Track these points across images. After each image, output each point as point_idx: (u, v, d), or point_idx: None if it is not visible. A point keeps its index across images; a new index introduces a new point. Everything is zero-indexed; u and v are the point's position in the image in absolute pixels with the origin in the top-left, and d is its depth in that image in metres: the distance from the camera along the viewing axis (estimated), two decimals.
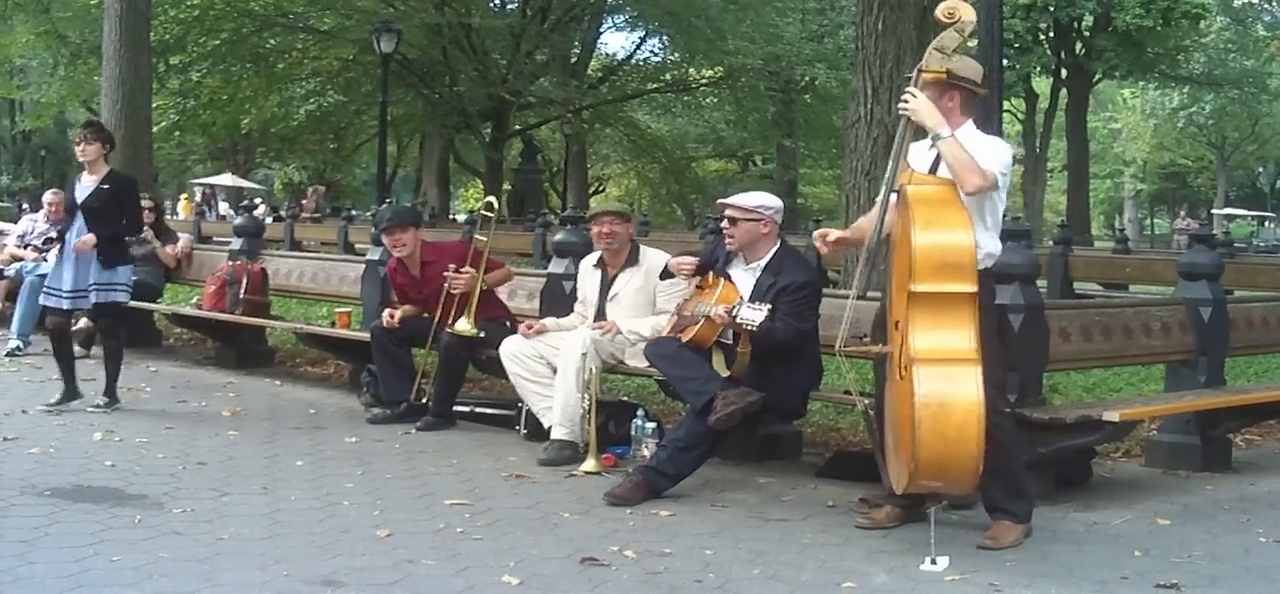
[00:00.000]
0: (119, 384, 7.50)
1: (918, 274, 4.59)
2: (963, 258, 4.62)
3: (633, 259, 6.82)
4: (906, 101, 4.89)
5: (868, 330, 5.31)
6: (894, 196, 4.86)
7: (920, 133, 5.00)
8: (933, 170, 4.95)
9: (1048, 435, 5.61)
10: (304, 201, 33.42)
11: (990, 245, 5.01)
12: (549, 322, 7.01)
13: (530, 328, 6.86)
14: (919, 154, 5.09)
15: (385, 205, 13.79)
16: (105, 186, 7.29)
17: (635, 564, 4.55)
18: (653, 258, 6.78)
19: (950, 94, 4.98)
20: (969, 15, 4.87)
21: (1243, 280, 13.56)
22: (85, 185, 7.34)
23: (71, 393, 7.41)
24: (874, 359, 5.17)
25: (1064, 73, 35.86)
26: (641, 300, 6.68)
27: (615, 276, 6.82)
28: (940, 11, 4.91)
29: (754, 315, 5.37)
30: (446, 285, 7.18)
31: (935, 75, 4.96)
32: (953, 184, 4.80)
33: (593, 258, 7.04)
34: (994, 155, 4.94)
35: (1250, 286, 13.26)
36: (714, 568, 4.53)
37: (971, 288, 4.62)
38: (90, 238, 7.21)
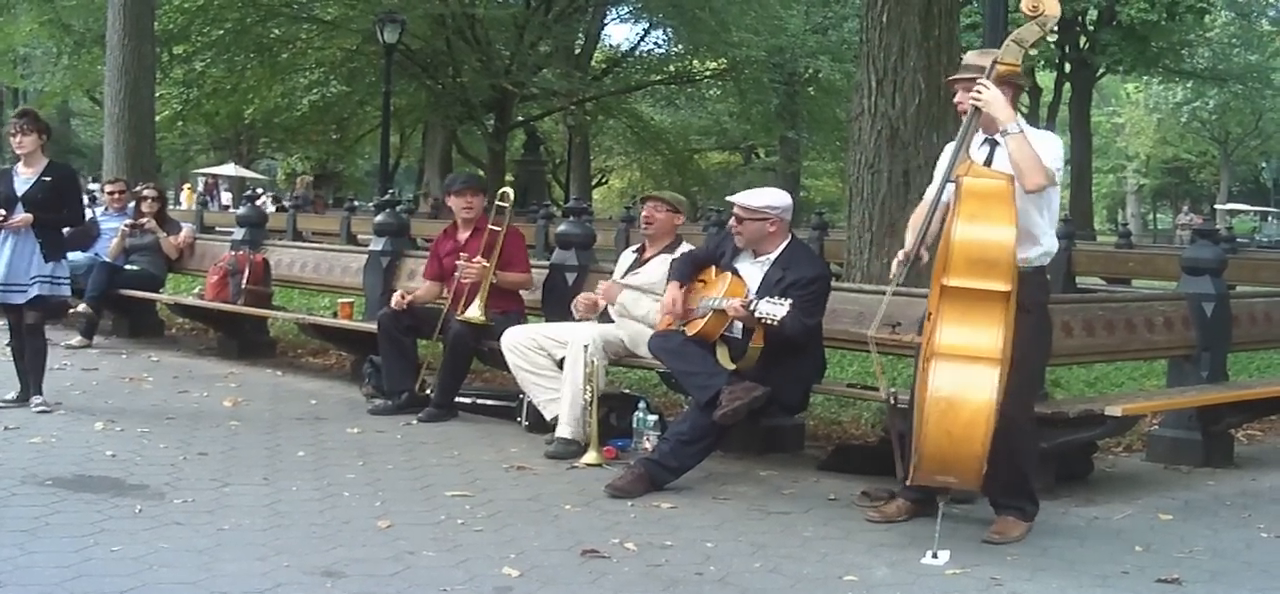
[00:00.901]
0: (119, 376, 7.45)
1: (951, 268, 4.51)
2: (1000, 256, 4.50)
3: (671, 248, 6.80)
4: (979, 93, 4.77)
5: (901, 321, 5.22)
6: (951, 187, 4.76)
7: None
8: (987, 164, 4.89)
9: (1050, 430, 5.59)
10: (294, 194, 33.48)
11: (1048, 243, 4.98)
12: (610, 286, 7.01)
13: (608, 293, 6.84)
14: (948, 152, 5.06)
15: (406, 188, 13.78)
16: (46, 178, 7.08)
17: (636, 556, 4.55)
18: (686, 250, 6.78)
19: (1006, 89, 4.86)
20: (1053, 10, 4.76)
21: (1245, 275, 13.58)
22: (24, 177, 7.08)
23: (27, 391, 7.07)
24: (908, 349, 5.10)
25: (1067, 67, 35.70)
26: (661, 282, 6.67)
27: (648, 259, 6.82)
28: (1024, 5, 4.80)
29: (775, 310, 5.31)
30: (458, 274, 7.20)
31: (1011, 69, 4.87)
32: (1010, 179, 4.70)
33: (635, 246, 7.16)
34: (1052, 151, 4.86)
35: (1253, 281, 13.28)
36: (715, 560, 4.53)
37: (1005, 287, 4.50)
38: (27, 216, 6.93)
